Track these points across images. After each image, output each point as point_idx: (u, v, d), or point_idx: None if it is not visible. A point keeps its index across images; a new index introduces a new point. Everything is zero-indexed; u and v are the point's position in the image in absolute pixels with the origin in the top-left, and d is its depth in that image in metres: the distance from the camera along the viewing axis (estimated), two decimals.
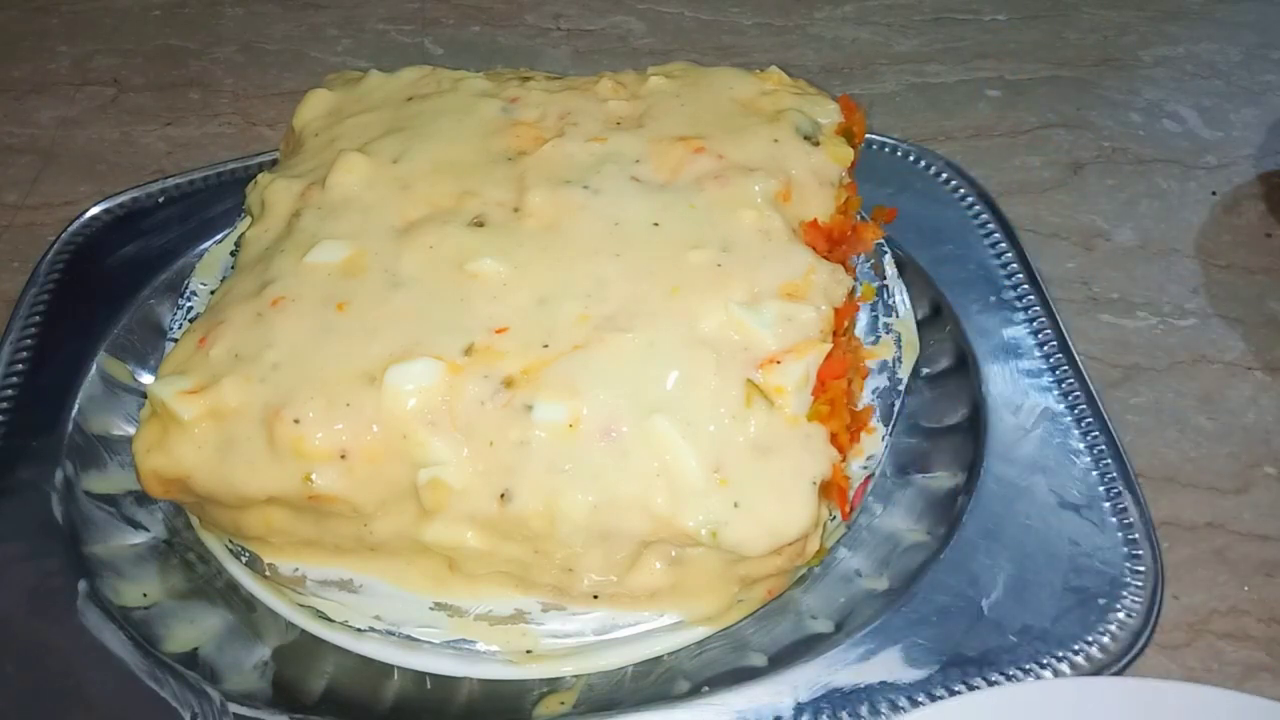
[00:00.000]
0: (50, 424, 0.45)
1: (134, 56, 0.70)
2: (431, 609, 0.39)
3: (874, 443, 0.44)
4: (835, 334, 0.39)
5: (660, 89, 0.47)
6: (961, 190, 0.54)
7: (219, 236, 0.52)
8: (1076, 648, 0.38)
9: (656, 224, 0.40)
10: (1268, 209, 0.58)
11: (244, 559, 0.41)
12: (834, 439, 0.37)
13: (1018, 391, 0.46)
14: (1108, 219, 0.58)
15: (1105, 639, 0.38)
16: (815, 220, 0.41)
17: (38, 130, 0.64)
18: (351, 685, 0.39)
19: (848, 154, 0.44)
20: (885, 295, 0.48)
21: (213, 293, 0.45)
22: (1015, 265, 0.51)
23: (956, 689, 0.37)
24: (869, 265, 0.48)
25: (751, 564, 0.38)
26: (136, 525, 0.43)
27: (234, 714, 0.37)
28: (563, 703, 0.38)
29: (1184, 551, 0.43)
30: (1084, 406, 0.45)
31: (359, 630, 0.39)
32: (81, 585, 0.40)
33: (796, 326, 0.38)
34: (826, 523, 0.39)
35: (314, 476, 0.36)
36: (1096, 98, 0.66)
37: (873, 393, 0.45)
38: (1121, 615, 0.39)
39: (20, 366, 0.47)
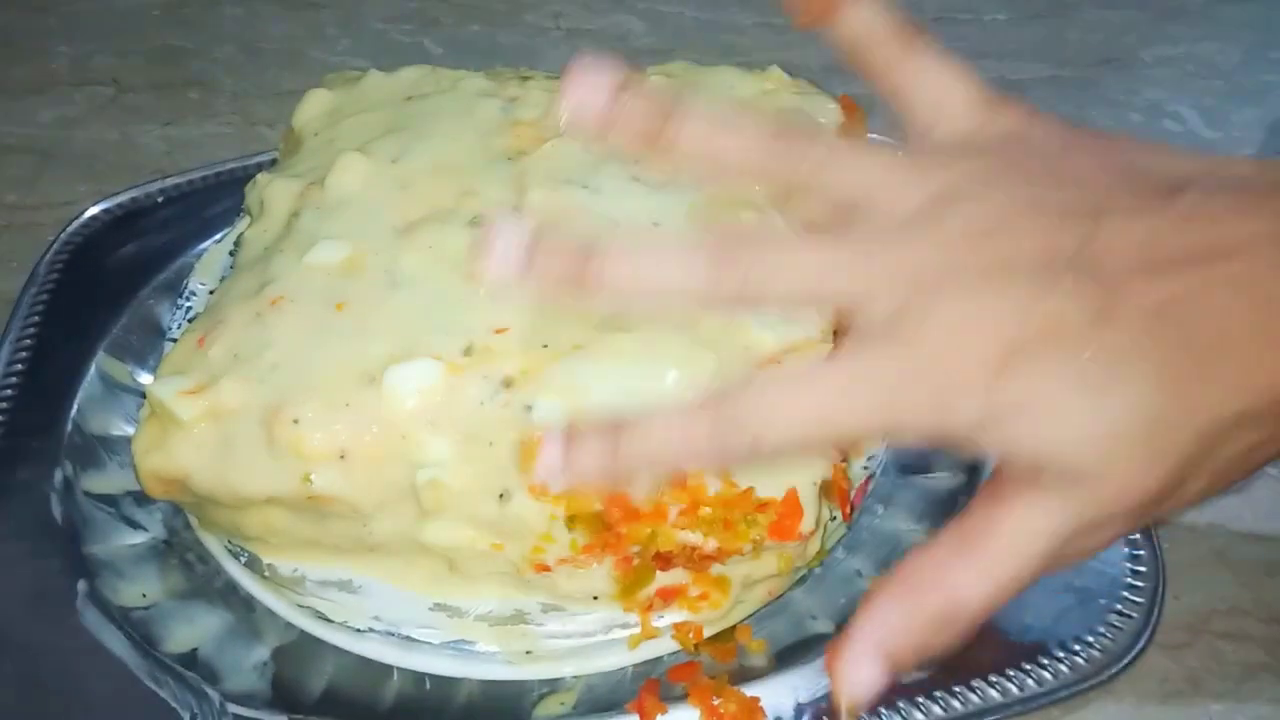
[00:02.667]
0: (49, 424, 0.45)
1: (133, 56, 0.70)
2: (431, 609, 0.39)
3: (874, 442, 0.44)
4: (836, 334, 0.39)
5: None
6: None
7: (218, 236, 0.52)
8: (1077, 648, 0.38)
9: (656, 224, 0.40)
10: None
11: (243, 559, 0.41)
12: None
13: None
14: None
15: (1106, 639, 0.38)
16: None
17: (37, 130, 0.64)
18: (351, 686, 0.39)
19: None
20: None
21: (212, 292, 0.45)
22: None
23: (956, 689, 0.37)
24: None
25: (753, 565, 0.38)
26: (136, 525, 0.43)
27: (233, 714, 0.37)
28: (563, 703, 0.38)
29: (1184, 551, 0.43)
30: None
31: (358, 631, 0.39)
32: (81, 585, 0.40)
33: (797, 326, 0.38)
34: (827, 523, 0.39)
35: (313, 477, 0.36)
36: (1097, 97, 0.66)
37: None
38: (1122, 615, 0.39)
39: (19, 366, 0.47)
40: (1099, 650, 0.38)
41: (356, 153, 0.43)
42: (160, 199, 0.55)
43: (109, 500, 0.44)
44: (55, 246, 0.52)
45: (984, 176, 0.27)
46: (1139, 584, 0.40)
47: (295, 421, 0.36)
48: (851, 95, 0.46)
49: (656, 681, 0.38)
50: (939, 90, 0.30)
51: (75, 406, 0.46)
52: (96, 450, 0.45)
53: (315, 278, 0.39)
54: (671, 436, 0.26)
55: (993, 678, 0.37)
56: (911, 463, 0.45)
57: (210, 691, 0.37)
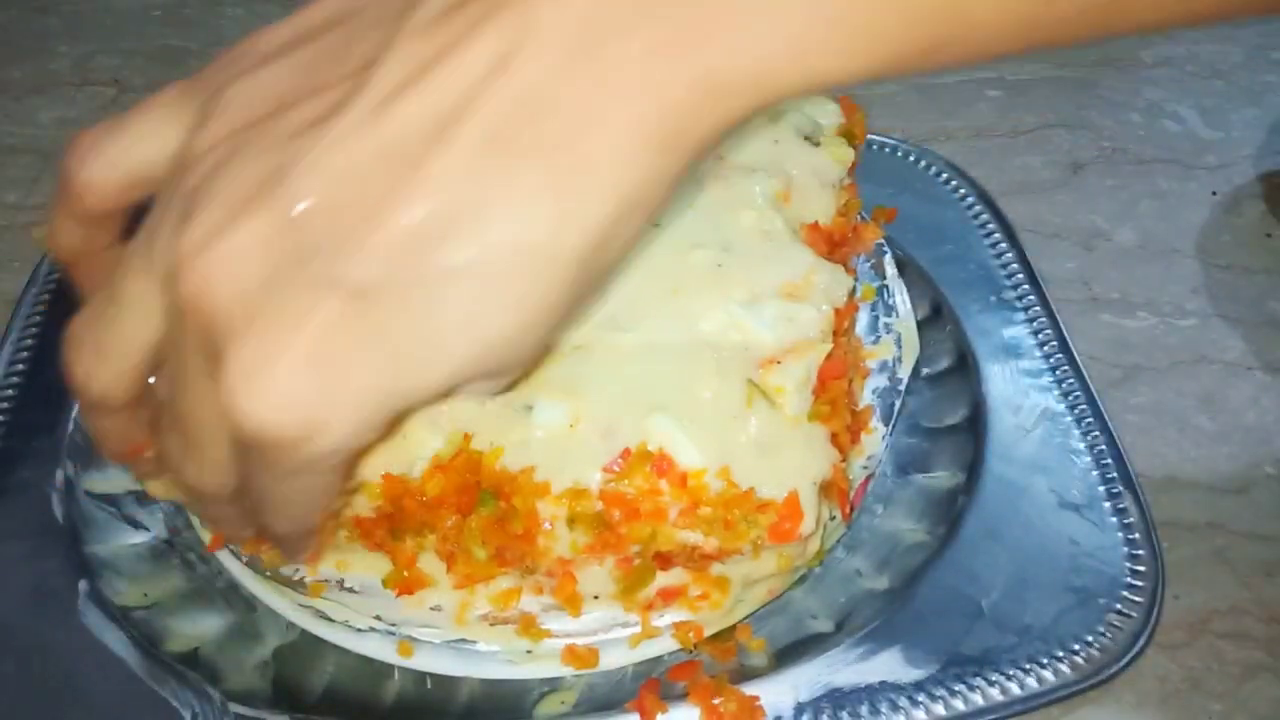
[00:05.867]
0: (50, 424, 0.45)
1: (134, 57, 0.70)
2: (431, 609, 0.39)
3: (874, 443, 0.44)
4: (836, 334, 0.39)
5: None
6: (962, 190, 0.54)
7: None
8: (1076, 647, 0.38)
9: (656, 224, 0.40)
10: (1268, 209, 0.58)
11: (244, 559, 0.41)
12: (835, 439, 0.37)
13: (1018, 391, 0.46)
14: (1108, 219, 0.58)
15: (1105, 639, 0.38)
16: (816, 223, 0.41)
17: (38, 130, 0.64)
18: (352, 685, 0.39)
19: (848, 154, 0.44)
20: (885, 295, 0.48)
21: None
22: (1015, 265, 0.51)
23: (957, 689, 0.37)
24: (869, 265, 0.48)
25: (752, 564, 0.38)
26: (137, 525, 0.43)
27: (234, 714, 0.37)
28: (563, 702, 0.38)
29: (1184, 551, 0.43)
30: (1084, 406, 0.45)
31: (359, 630, 0.39)
32: (82, 585, 0.40)
33: (797, 327, 0.38)
34: (827, 523, 0.39)
35: None
36: (1097, 98, 0.66)
37: (873, 393, 0.45)
38: (1122, 615, 0.39)
39: (21, 366, 0.47)
40: (1099, 650, 0.38)
41: None
42: None
43: (110, 500, 0.44)
44: None
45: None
46: (1139, 584, 0.40)
47: None
48: (851, 95, 0.46)
49: (657, 681, 0.38)
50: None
51: (76, 406, 0.46)
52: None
53: None
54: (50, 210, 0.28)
55: (993, 677, 0.37)
56: (910, 462, 0.45)
57: (211, 691, 0.37)
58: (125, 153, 0.26)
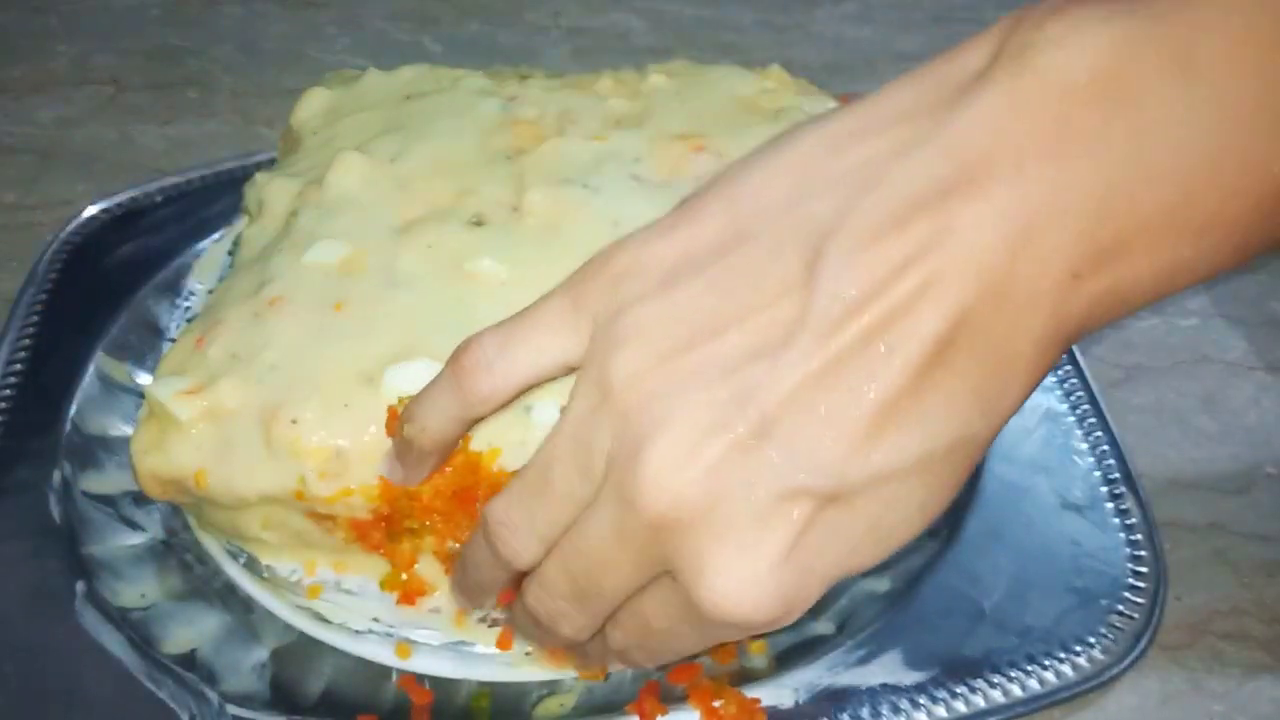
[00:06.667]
0: (48, 424, 0.45)
1: (132, 56, 0.70)
2: (430, 611, 0.39)
3: None
4: None
5: (660, 87, 0.46)
6: None
7: (217, 236, 0.52)
8: (1078, 649, 0.38)
9: None
10: None
11: (242, 560, 0.41)
12: None
13: None
14: None
15: (1107, 640, 0.38)
16: None
17: (36, 130, 0.64)
18: (350, 687, 0.38)
19: None
20: None
21: (210, 292, 0.45)
22: None
23: (958, 690, 0.37)
24: None
25: None
26: (134, 526, 0.43)
27: (232, 715, 0.37)
28: (562, 704, 0.38)
29: (1185, 552, 0.43)
30: (1086, 406, 0.45)
31: (357, 632, 0.39)
32: (79, 586, 0.40)
33: None
34: None
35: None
36: None
37: None
38: (1123, 616, 0.39)
39: (18, 366, 0.47)
40: (1100, 651, 0.38)
41: (355, 152, 0.43)
42: (159, 198, 0.55)
43: (107, 500, 0.44)
44: (54, 246, 0.52)
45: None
46: (1140, 585, 0.40)
47: (294, 422, 0.36)
48: (853, 94, 0.46)
49: (657, 683, 0.38)
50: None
51: (74, 406, 0.46)
52: (95, 450, 0.45)
53: (314, 277, 0.39)
54: (424, 402, 0.32)
55: (994, 678, 0.37)
56: None
57: (209, 692, 0.37)
58: (524, 366, 0.29)
